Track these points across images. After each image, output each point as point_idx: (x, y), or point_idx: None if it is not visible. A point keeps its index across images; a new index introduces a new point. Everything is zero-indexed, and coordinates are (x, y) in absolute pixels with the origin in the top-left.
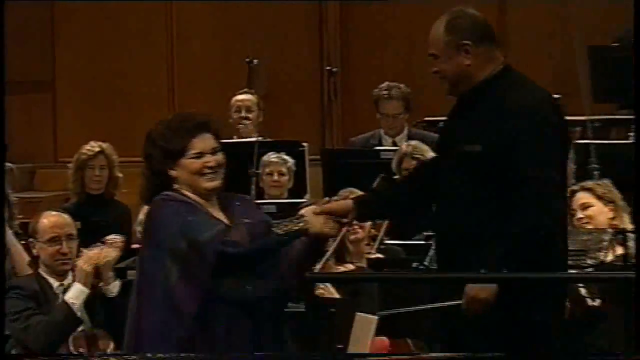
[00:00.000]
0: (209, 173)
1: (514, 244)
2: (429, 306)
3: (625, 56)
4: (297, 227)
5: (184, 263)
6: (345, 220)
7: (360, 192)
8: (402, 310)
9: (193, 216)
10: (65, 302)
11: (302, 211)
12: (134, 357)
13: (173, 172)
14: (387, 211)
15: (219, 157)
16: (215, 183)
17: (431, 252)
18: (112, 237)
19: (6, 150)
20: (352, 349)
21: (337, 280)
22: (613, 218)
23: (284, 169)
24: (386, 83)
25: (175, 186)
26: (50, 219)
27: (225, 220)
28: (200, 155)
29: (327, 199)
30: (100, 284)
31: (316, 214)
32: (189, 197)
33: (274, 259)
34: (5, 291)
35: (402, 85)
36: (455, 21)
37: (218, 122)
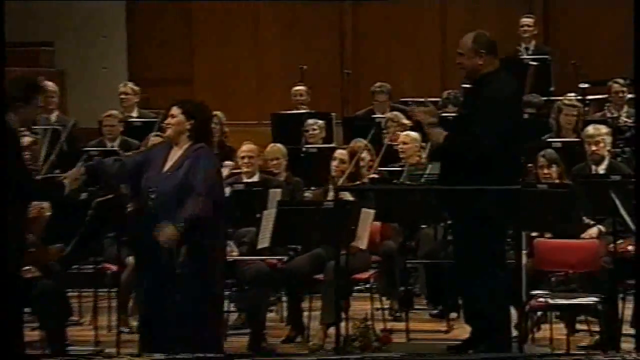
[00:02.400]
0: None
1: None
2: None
3: None
4: None
5: None
6: None
7: (364, 141)
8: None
9: (148, 151)
10: None
11: None
12: (133, 357)
13: None
14: None
15: (172, 120)
16: (166, 134)
17: (404, 174)
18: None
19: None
20: (359, 228)
21: (352, 190)
22: None
23: (318, 128)
24: (378, 83)
25: None
26: None
27: (170, 160)
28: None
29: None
30: None
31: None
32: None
33: None
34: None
35: (387, 85)
36: (479, 37)
37: (190, 102)
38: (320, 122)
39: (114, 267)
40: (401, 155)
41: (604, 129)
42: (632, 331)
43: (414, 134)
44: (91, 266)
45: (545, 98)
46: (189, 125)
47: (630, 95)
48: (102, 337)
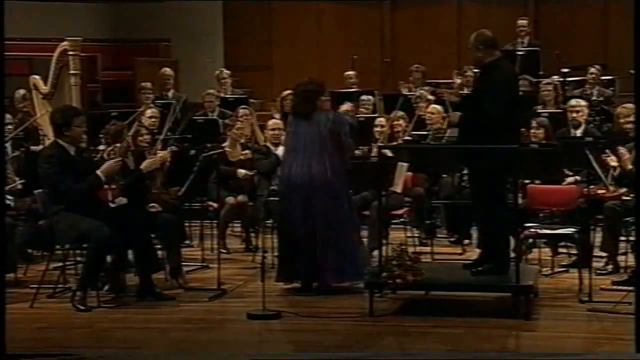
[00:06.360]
0: None
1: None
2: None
3: None
4: None
5: None
6: None
7: (401, 112)
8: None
9: None
10: None
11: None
12: (133, 357)
13: None
14: None
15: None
16: None
17: (429, 136)
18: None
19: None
20: (396, 177)
21: (390, 148)
22: None
23: (369, 103)
24: (415, 65)
25: None
26: (274, 121)
27: None
28: None
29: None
30: None
31: None
32: None
33: None
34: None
35: (422, 66)
36: (479, 36)
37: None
38: (372, 98)
39: (215, 205)
40: (427, 122)
41: (581, 102)
42: (601, 254)
43: (437, 107)
44: (198, 204)
45: (535, 80)
46: None
47: (602, 77)
48: (206, 256)
